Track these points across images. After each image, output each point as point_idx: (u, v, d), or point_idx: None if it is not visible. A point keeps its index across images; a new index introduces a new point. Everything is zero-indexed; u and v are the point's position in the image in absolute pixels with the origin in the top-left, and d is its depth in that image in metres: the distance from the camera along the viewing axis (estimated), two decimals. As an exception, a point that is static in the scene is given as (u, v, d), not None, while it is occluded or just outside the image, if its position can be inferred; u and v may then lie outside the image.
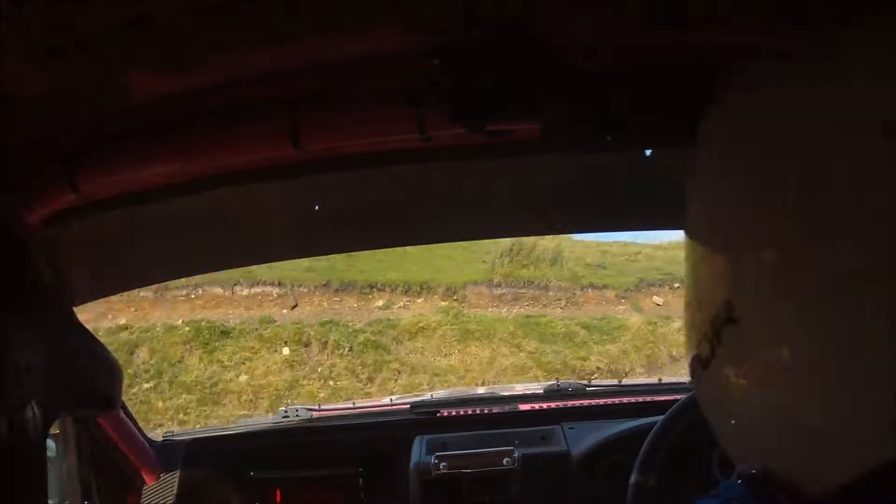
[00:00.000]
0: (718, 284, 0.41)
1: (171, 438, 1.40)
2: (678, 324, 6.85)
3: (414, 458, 1.25)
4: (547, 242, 8.13)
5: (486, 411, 1.41)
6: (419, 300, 7.87)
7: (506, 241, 7.71)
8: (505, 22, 0.60)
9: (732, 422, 0.41)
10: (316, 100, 0.70)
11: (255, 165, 0.81)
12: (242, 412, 6.35)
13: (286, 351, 7.12)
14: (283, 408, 1.53)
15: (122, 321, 7.20)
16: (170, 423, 5.93)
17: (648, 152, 0.85)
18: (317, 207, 1.02)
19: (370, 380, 6.89)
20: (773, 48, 0.60)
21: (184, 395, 6.61)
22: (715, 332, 0.39)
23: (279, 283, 7.69)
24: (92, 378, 0.87)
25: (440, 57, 0.62)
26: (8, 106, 0.64)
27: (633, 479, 1.00)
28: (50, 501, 1.06)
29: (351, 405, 1.61)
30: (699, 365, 0.42)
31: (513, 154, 0.80)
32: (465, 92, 0.66)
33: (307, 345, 7.25)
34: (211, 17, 0.55)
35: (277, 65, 0.65)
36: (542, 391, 1.50)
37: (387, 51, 0.63)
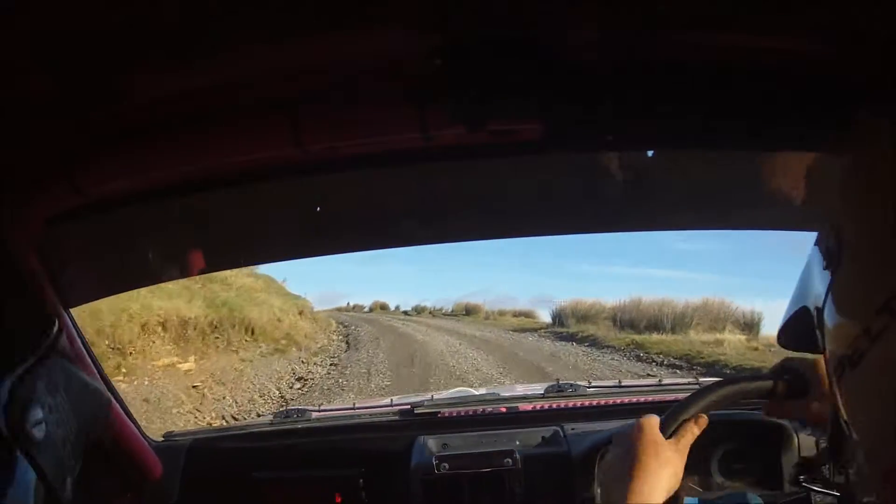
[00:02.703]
0: (887, 277, 0.40)
1: (171, 438, 1.40)
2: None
3: (415, 458, 1.25)
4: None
5: (486, 412, 1.41)
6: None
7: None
8: (506, 22, 0.60)
9: (877, 418, 0.40)
10: (318, 100, 0.70)
11: (256, 165, 0.81)
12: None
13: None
14: (284, 408, 1.53)
15: None
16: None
17: (650, 153, 0.86)
18: (318, 208, 1.02)
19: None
20: (774, 49, 0.61)
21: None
22: (883, 326, 0.38)
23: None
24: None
25: (442, 57, 0.62)
26: (8, 106, 0.64)
27: None
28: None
29: (351, 406, 1.61)
30: (847, 364, 0.41)
31: (514, 154, 0.80)
32: (466, 92, 0.66)
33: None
34: (212, 16, 0.55)
35: (279, 65, 0.65)
36: (542, 391, 1.50)
37: (389, 51, 0.63)
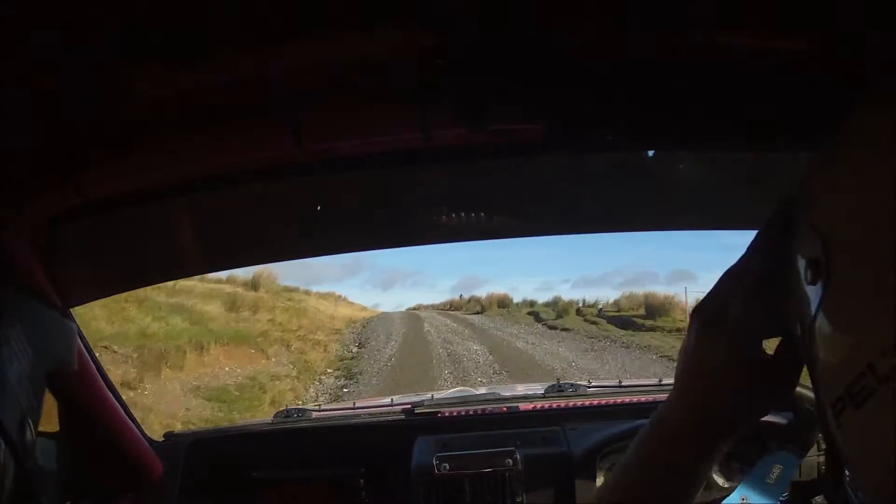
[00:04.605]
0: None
1: (171, 438, 1.39)
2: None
3: (415, 459, 1.25)
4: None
5: (486, 412, 1.41)
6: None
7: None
8: (506, 22, 0.59)
9: (884, 464, 0.36)
10: (318, 100, 0.70)
11: (256, 165, 0.81)
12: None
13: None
14: (284, 408, 1.53)
15: None
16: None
17: (651, 153, 0.85)
18: (319, 208, 1.02)
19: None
20: (775, 50, 0.60)
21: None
22: (893, 367, 0.34)
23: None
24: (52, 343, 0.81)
25: (443, 57, 0.62)
26: (8, 106, 0.64)
27: None
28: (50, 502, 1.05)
29: (351, 405, 1.61)
30: (849, 402, 0.37)
31: (515, 154, 0.80)
32: (467, 92, 0.66)
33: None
34: (212, 17, 0.55)
35: (279, 65, 0.65)
36: (542, 391, 1.50)
37: (390, 51, 0.63)
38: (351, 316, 18.26)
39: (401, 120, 0.71)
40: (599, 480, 1.19)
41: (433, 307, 31.69)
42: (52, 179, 0.78)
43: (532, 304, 22.55)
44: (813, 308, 0.41)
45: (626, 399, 1.44)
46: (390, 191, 1.02)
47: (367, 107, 0.71)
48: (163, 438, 1.38)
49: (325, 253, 1.31)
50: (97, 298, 1.20)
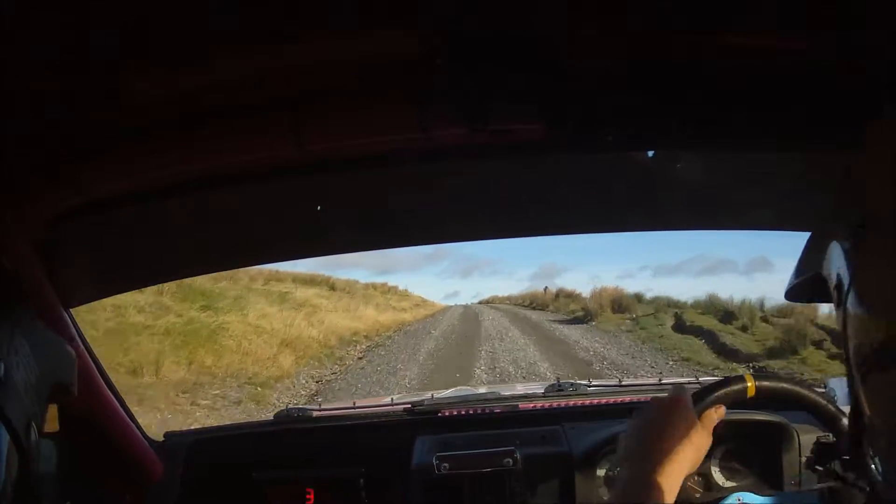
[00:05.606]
0: None
1: (171, 438, 1.39)
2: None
3: (415, 458, 1.25)
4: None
5: (486, 411, 1.41)
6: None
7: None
8: (506, 22, 0.60)
9: None
10: (318, 100, 0.70)
11: (256, 165, 0.81)
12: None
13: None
14: (284, 408, 1.53)
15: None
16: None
17: (651, 153, 0.86)
18: (319, 208, 1.02)
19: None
20: (777, 50, 0.61)
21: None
22: None
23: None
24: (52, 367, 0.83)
25: (443, 57, 0.62)
26: (9, 106, 0.64)
27: None
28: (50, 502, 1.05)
29: (351, 405, 1.60)
30: (875, 366, 0.39)
31: (514, 154, 0.80)
32: (466, 92, 0.66)
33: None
34: (213, 17, 0.55)
35: (280, 65, 0.65)
36: (542, 391, 1.50)
37: (388, 51, 0.63)
38: (377, 320, 14.42)
39: (401, 120, 0.71)
40: (599, 480, 1.19)
41: (510, 300, 28.09)
42: (53, 179, 0.78)
43: (674, 303, 13.55)
44: (849, 275, 0.43)
45: (626, 398, 1.43)
46: (389, 191, 1.02)
47: (367, 107, 0.71)
48: (163, 438, 1.38)
49: (325, 253, 1.31)
50: (97, 298, 1.20)
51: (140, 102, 0.68)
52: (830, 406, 0.81)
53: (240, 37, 0.59)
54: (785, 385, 0.85)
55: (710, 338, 9.93)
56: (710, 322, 11.03)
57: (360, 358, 10.38)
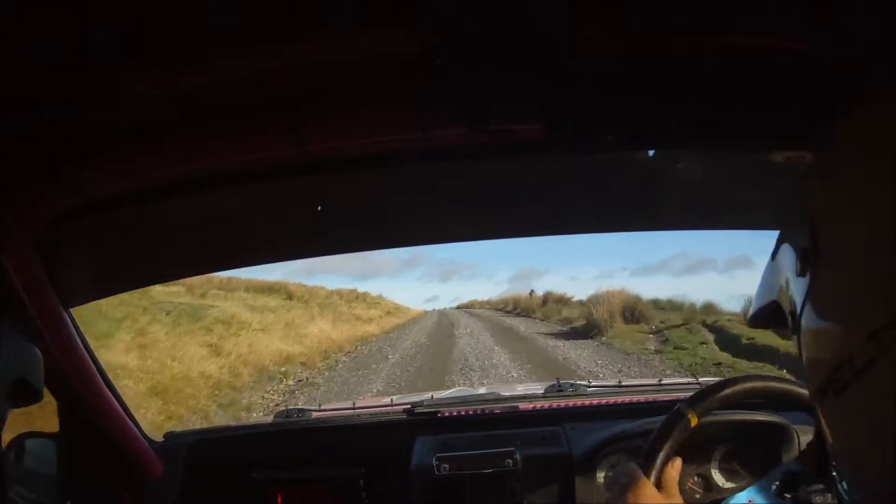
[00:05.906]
0: (873, 300, 0.36)
1: (171, 439, 1.39)
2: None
3: (415, 459, 1.25)
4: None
5: (486, 411, 1.41)
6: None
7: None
8: (507, 22, 0.60)
9: (861, 449, 0.38)
10: (318, 100, 0.70)
11: (256, 165, 0.81)
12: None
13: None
14: (284, 408, 1.53)
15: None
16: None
17: (650, 153, 0.86)
18: (319, 208, 1.02)
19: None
20: (777, 50, 0.61)
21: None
22: (869, 359, 0.35)
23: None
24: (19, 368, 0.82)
25: (443, 57, 0.62)
26: (9, 106, 0.64)
27: None
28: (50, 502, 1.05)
29: (351, 405, 1.60)
30: (830, 391, 0.39)
31: (514, 154, 0.80)
32: (466, 92, 0.66)
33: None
34: (212, 17, 0.55)
35: (279, 65, 0.65)
36: (542, 391, 1.50)
37: (390, 51, 0.63)
38: (328, 338, 11.54)
39: (401, 120, 0.71)
40: (599, 480, 1.19)
41: (490, 304, 25.78)
42: (53, 179, 0.78)
43: (703, 308, 11.17)
44: (800, 302, 0.42)
45: (626, 399, 1.43)
46: (389, 191, 1.02)
47: (367, 107, 0.71)
48: (163, 438, 1.38)
49: (324, 253, 1.31)
50: (97, 298, 1.20)
51: (140, 102, 0.68)
52: (777, 384, 0.82)
53: (240, 37, 0.59)
54: (726, 391, 0.86)
55: (787, 362, 6.30)
56: (772, 339, 6.84)
57: (277, 406, 6.71)
